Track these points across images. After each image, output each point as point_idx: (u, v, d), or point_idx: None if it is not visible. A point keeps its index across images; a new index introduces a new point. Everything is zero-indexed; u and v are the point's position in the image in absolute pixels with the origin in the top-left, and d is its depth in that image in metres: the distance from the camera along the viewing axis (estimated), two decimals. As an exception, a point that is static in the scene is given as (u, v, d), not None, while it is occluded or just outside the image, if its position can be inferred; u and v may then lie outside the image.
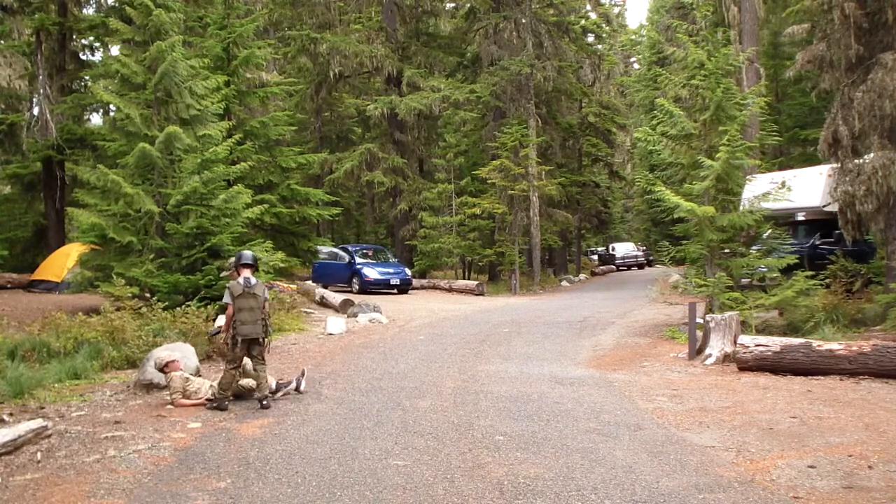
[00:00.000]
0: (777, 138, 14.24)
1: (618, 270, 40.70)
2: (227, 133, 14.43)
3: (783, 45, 26.00)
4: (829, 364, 8.15)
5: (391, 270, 22.60)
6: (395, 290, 22.15)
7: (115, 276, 10.92)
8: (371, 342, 11.79)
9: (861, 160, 11.68)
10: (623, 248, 44.10)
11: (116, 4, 19.24)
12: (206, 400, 7.19)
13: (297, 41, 25.31)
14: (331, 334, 12.71)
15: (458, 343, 11.48)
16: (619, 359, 10.04)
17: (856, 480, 4.70)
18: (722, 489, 4.58)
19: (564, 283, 29.36)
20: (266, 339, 7.31)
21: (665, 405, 6.99)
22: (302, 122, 27.69)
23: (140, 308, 10.27)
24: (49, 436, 5.88)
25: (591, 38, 34.15)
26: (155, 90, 12.74)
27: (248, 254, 7.49)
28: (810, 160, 21.05)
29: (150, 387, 7.76)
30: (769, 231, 12.50)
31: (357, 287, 21.86)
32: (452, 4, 31.84)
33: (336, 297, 17.39)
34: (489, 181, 24.12)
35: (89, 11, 22.63)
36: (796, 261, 11.74)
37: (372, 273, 22.07)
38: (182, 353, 8.05)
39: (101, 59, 23.06)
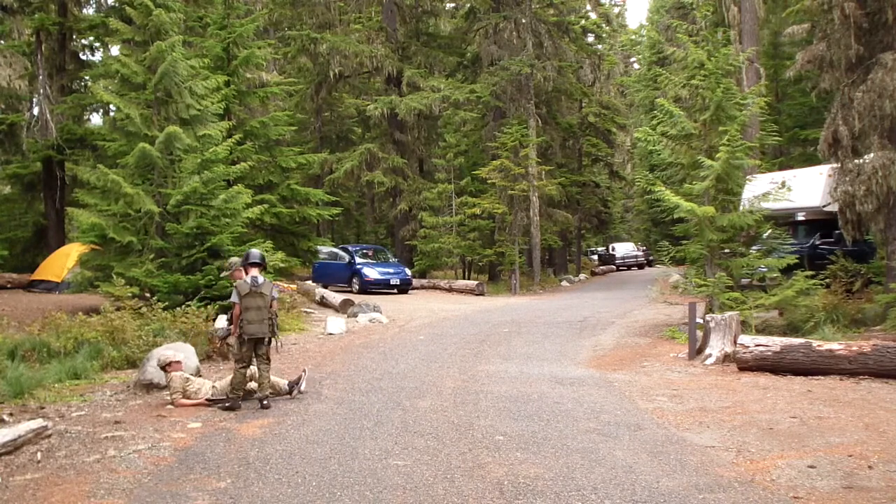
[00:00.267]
0: (777, 138, 14.25)
1: (618, 270, 40.68)
2: (227, 133, 14.45)
3: (783, 45, 25.98)
4: (830, 364, 8.15)
5: (391, 270, 22.60)
6: (395, 290, 22.15)
7: (115, 276, 10.94)
8: (371, 342, 11.79)
9: (861, 160, 11.68)
10: (623, 248, 44.07)
11: (116, 4, 19.25)
12: (207, 400, 7.21)
13: (297, 41, 25.30)
14: (331, 334, 12.72)
15: (458, 343, 11.48)
16: (619, 359, 10.04)
17: (856, 480, 4.70)
18: (722, 489, 4.58)
19: (564, 283, 29.35)
20: (274, 339, 7.29)
21: (665, 405, 6.99)
22: (302, 122, 27.68)
23: (140, 308, 10.28)
24: (49, 436, 5.88)
25: (591, 38, 34.15)
26: (155, 90, 12.75)
27: (256, 252, 7.50)
28: (810, 160, 21.04)
29: (150, 387, 7.77)
30: (769, 231, 12.49)
31: (357, 287, 21.86)
32: (452, 4, 31.83)
33: (336, 297, 17.39)
34: (489, 181, 24.11)
35: (89, 11, 22.63)
36: (796, 261, 11.74)
37: (372, 273, 22.07)
38: (183, 354, 8.05)
39: (101, 59, 23.07)
